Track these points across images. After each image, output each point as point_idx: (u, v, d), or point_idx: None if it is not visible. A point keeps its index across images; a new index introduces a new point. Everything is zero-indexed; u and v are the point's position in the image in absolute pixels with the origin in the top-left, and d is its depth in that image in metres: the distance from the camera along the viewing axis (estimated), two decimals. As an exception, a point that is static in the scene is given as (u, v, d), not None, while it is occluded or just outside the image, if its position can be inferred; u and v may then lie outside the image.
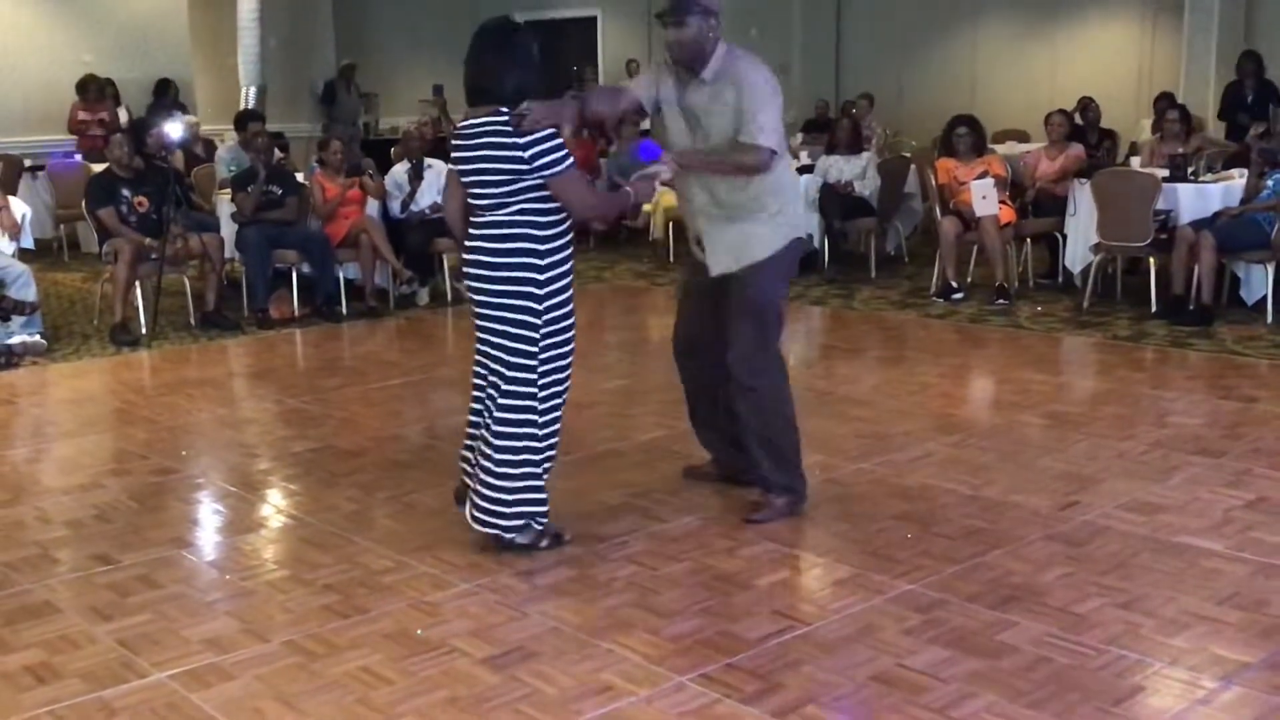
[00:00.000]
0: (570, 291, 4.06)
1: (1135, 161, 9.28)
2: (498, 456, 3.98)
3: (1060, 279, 8.84)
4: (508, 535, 4.07)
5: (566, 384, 4.12)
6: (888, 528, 4.34)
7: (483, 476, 4.01)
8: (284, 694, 3.24)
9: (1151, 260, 7.93)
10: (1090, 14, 13.53)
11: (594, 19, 16.00)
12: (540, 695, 3.20)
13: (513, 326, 3.97)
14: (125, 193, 7.98)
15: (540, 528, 4.12)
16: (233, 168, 9.38)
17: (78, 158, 11.44)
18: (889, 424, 5.61)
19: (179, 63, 12.97)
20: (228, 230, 8.53)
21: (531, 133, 3.83)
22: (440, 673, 3.33)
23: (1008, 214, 8.59)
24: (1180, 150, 8.50)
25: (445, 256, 9.09)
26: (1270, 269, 7.55)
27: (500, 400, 3.98)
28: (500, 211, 3.95)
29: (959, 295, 8.51)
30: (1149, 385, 6.39)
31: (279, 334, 8.01)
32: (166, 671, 3.36)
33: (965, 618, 3.59)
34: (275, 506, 4.83)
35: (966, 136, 8.70)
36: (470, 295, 4.09)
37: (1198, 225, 7.68)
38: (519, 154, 3.85)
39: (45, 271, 10.38)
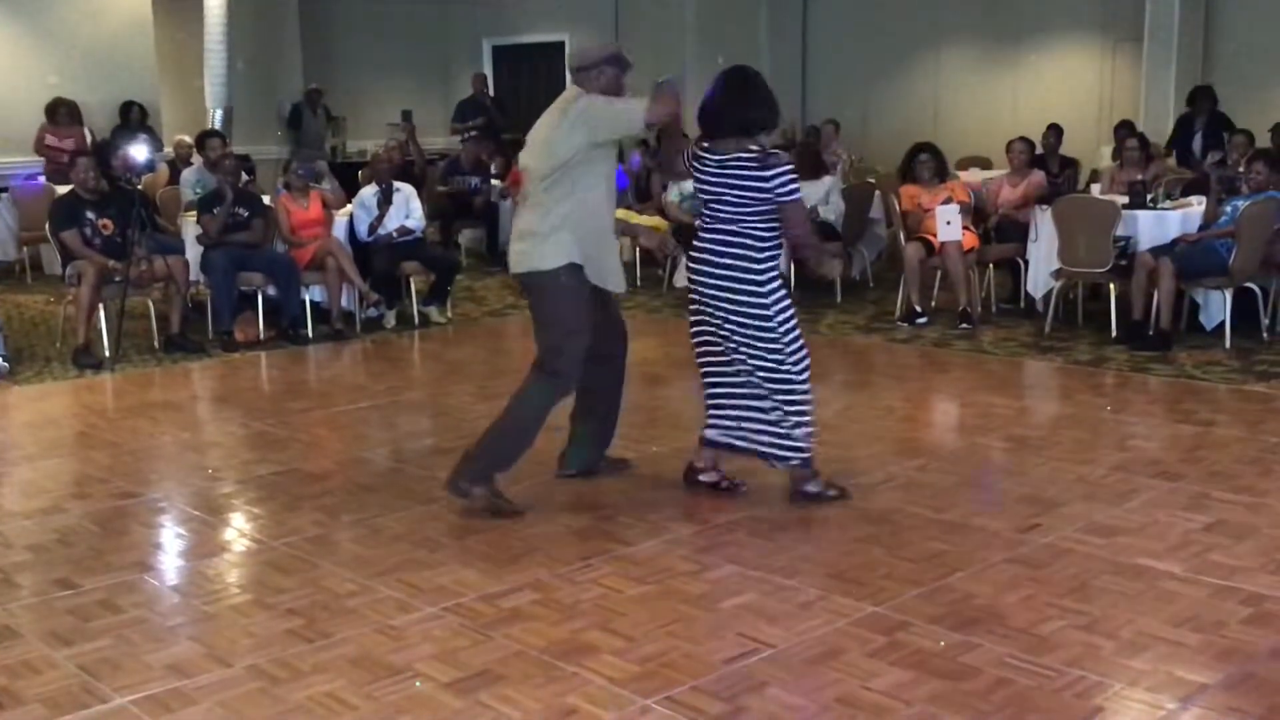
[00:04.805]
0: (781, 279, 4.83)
1: (1096, 189, 9.41)
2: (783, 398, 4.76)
3: (1022, 304, 8.93)
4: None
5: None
6: (852, 551, 4.37)
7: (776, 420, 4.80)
8: (247, 719, 3.23)
9: (1112, 286, 8.03)
10: (1051, 42, 13.70)
11: (561, 44, 16.06)
12: None
13: (748, 309, 4.71)
14: (89, 215, 7.94)
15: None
16: (198, 190, 9.35)
17: (41, 179, 11.36)
18: (854, 447, 5.65)
19: (145, 85, 12.91)
20: (193, 253, 8.49)
21: (774, 168, 4.62)
22: (404, 697, 3.32)
23: (970, 240, 8.68)
24: (1140, 177, 8.61)
25: (412, 280, 9.11)
26: (1228, 295, 7.66)
27: (762, 366, 4.74)
28: (731, 225, 4.70)
29: (923, 320, 8.59)
30: (1109, 409, 6.46)
31: (244, 357, 7.97)
32: (128, 697, 3.34)
33: (928, 640, 3.62)
34: (239, 530, 4.81)
35: (929, 163, 8.80)
36: (698, 286, 4.79)
37: (1157, 251, 7.79)
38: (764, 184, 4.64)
39: (8, 294, 10.33)
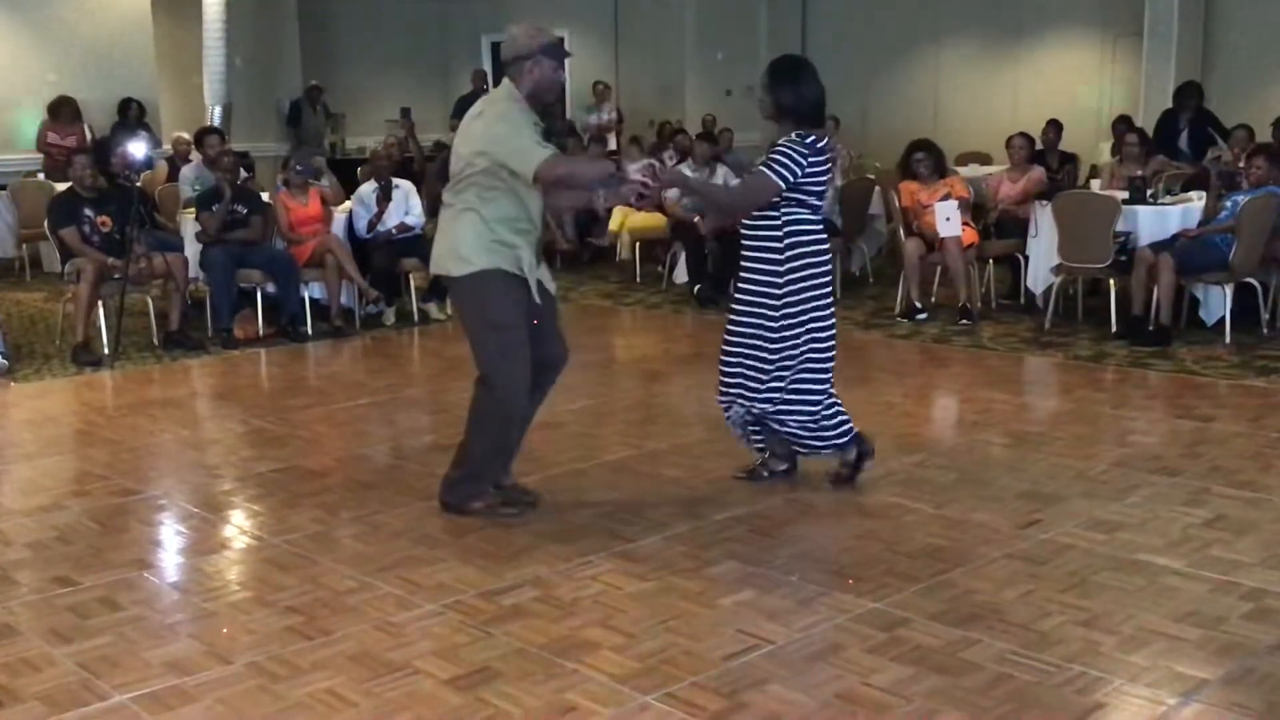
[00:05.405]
0: None
1: (1095, 184, 9.40)
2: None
3: (1022, 300, 8.92)
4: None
5: None
6: (852, 547, 4.37)
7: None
8: (246, 717, 3.22)
9: (1112, 281, 8.02)
10: (1051, 38, 13.70)
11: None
12: (505, 716, 3.20)
13: None
14: (88, 212, 7.92)
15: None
16: (197, 187, 9.34)
17: (40, 177, 11.35)
18: (853, 443, 5.64)
19: (144, 82, 12.90)
20: (192, 250, 8.48)
21: None
22: (404, 694, 3.32)
23: (970, 235, 8.68)
24: (1139, 173, 8.60)
25: (411, 276, 9.10)
26: (1228, 290, 7.66)
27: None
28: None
29: (923, 316, 8.58)
30: (1109, 405, 6.46)
31: (243, 354, 7.97)
32: (127, 694, 3.34)
33: (928, 636, 3.61)
34: (238, 527, 4.80)
35: (926, 160, 8.78)
36: (828, 278, 4.84)
37: (1157, 247, 7.78)
38: None
39: (7, 291, 10.33)
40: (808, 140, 4.68)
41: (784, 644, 3.58)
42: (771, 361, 4.76)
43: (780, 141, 4.71)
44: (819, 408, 4.83)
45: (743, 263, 4.83)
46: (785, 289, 4.72)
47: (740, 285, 4.84)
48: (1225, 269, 7.61)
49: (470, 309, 4.62)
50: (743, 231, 4.84)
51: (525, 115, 4.46)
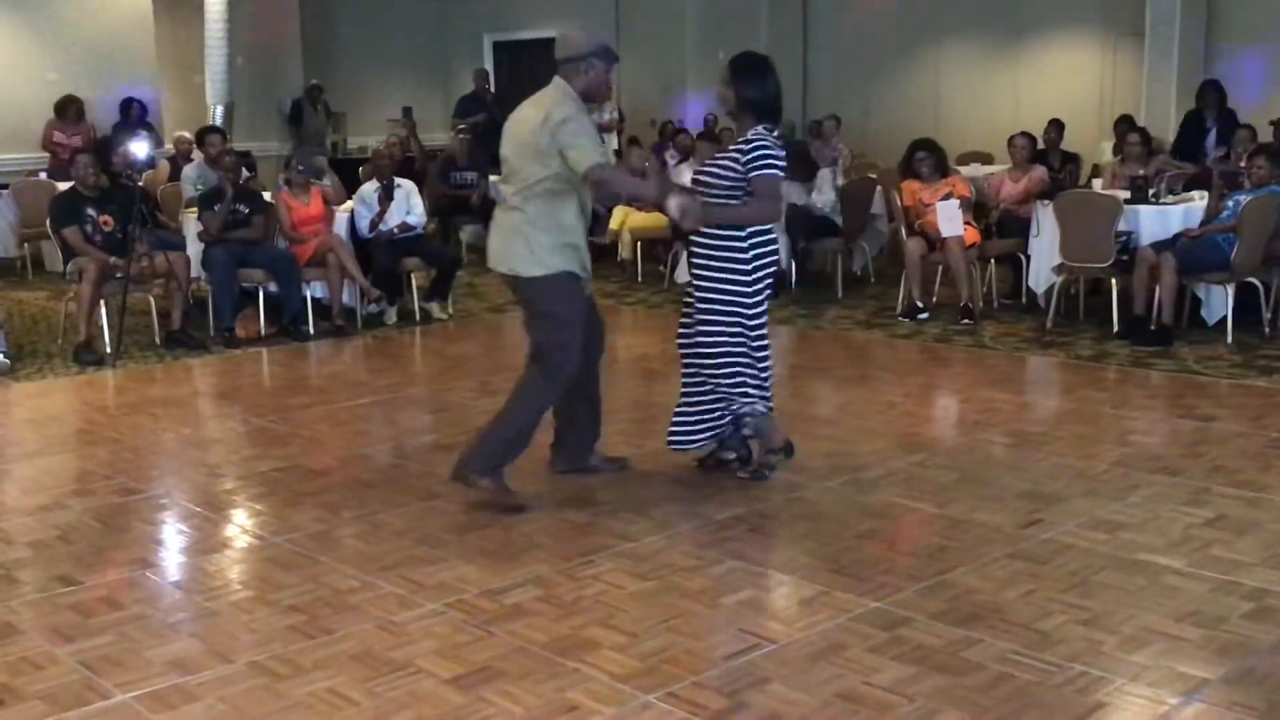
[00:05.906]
0: None
1: (1097, 184, 9.39)
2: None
3: (1024, 299, 8.92)
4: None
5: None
6: (853, 546, 4.37)
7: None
8: (248, 715, 3.23)
9: (1113, 281, 8.02)
10: (1052, 37, 13.69)
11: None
12: (507, 715, 3.20)
13: None
14: (90, 211, 7.93)
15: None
16: (199, 186, 9.34)
17: (43, 175, 11.36)
18: (855, 443, 5.65)
19: (146, 81, 12.93)
20: (194, 249, 8.49)
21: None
22: (406, 693, 3.32)
23: (972, 235, 8.68)
24: (1141, 172, 8.60)
25: (413, 276, 9.10)
26: (1230, 290, 7.66)
27: None
28: None
29: (924, 315, 8.58)
30: (1110, 404, 6.46)
31: (245, 353, 7.97)
32: (130, 693, 3.34)
33: (929, 635, 3.62)
34: (240, 526, 4.81)
35: (928, 160, 8.78)
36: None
37: (1159, 246, 7.78)
38: None
39: (9, 290, 10.33)
40: (775, 134, 4.84)
41: (785, 643, 3.59)
42: (755, 346, 4.91)
43: (754, 139, 4.78)
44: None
45: (709, 262, 4.86)
46: (754, 277, 4.85)
47: (712, 289, 4.85)
48: (1227, 269, 7.60)
49: (539, 306, 4.78)
50: (704, 229, 4.82)
51: (588, 117, 4.71)
